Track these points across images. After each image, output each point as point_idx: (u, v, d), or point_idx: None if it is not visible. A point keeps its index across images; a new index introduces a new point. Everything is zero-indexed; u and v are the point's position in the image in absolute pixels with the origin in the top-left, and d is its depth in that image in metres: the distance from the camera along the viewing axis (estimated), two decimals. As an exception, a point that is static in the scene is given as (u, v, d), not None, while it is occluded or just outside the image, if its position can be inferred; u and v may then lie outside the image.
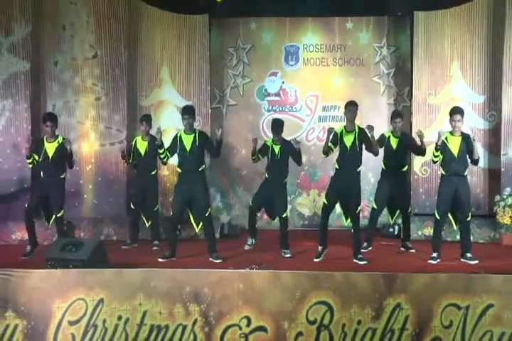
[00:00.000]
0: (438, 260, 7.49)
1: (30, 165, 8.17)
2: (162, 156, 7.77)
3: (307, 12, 10.62)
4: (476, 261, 7.35)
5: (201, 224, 7.76)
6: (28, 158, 7.99)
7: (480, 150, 9.67)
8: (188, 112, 7.75)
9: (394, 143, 8.38)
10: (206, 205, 7.72)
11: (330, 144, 7.58)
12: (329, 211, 7.89)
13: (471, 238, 8.70)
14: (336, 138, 7.57)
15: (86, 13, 9.88)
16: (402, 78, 10.85)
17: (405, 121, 10.45)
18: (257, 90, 11.08)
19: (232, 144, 10.98)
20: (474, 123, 9.98)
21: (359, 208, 7.62)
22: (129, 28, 10.02)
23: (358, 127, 7.58)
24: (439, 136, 7.49)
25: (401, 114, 8.75)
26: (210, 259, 7.52)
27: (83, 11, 9.88)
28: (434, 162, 7.71)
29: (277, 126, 8.35)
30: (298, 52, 11.03)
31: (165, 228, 8.86)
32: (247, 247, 8.40)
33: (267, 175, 8.32)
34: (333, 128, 7.58)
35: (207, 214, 7.66)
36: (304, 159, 10.89)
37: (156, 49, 10.47)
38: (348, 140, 7.53)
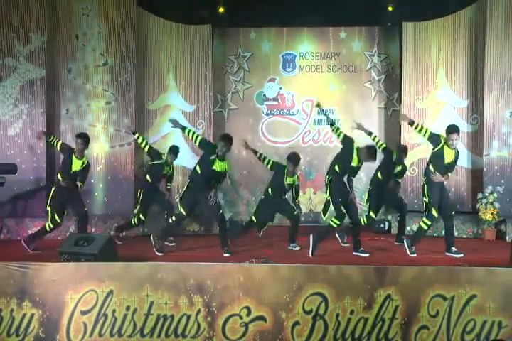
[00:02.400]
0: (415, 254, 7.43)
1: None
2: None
3: (303, 22, 10.64)
4: (462, 255, 7.32)
5: None
6: (49, 138, 8.12)
7: (464, 151, 9.72)
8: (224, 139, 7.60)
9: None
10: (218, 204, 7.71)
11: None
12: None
13: (456, 233, 8.74)
14: None
15: (97, 23, 9.85)
16: (392, 84, 10.84)
17: (395, 125, 10.55)
18: (257, 95, 11.07)
19: (233, 146, 10.89)
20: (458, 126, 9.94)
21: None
22: (138, 38, 9.99)
23: None
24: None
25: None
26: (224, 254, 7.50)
27: (95, 22, 9.85)
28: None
29: (294, 158, 8.20)
30: (295, 59, 11.02)
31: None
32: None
33: (270, 193, 8.18)
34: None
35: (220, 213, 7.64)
36: (300, 160, 10.94)
37: (162, 57, 10.47)
38: None
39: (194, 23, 10.44)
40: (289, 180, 8.10)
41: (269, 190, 8.18)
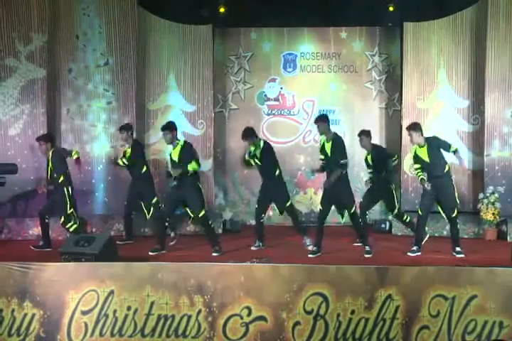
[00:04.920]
0: (418, 253, 7.49)
1: None
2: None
3: (304, 23, 10.62)
4: (462, 255, 7.34)
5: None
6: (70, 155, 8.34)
7: (465, 151, 9.73)
8: None
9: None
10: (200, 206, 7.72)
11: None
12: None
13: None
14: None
15: (98, 23, 9.86)
16: (393, 84, 10.82)
17: (396, 125, 10.54)
18: (257, 95, 11.05)
19: (234, 146, 10.95)
20: (459, 126, 9.97)
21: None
22: (138, 38, 9.99)
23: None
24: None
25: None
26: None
27: (95, 22, 9.85)
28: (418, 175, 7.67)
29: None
30: (295, 59, 11.01)
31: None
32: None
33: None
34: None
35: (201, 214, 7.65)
36: (301, 160, 10.95)
37: (163, 57, 10.46)
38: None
39: (195, 23, 10.43)
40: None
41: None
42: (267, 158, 8.04)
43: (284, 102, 11.03)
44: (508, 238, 8.71)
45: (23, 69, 9.46)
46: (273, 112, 11.04)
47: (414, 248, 7.57)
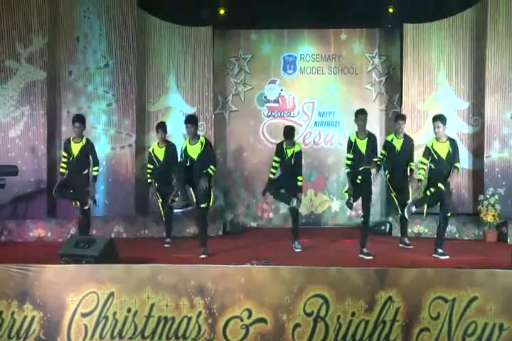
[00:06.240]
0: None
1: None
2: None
3: (304, 24, 10.62)
4: (447, 257, 7.29)
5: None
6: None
7: (465, 153, 9.73)
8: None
9: (397, 144, 8.30)
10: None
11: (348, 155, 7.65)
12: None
13: (457, 235, 8.76)
14: (351, 146, 7.62)
15: (98, 25, 9.89)
16: (393, 86, 10.83)
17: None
18: (258, 97, 11.05)
19: (234, 147, 10.96)
20: (459, 128, 9.98)
21: None
22: (138, 40, 10.02)
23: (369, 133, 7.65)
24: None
25: (404, 116, 8.75)
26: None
27: (95, 24, 9.89)
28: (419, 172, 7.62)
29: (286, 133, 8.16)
30: (295, 61, 11.01)
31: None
32: None
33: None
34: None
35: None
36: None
37: (163, 59, 10.49)
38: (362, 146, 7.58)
39: (195, 24, 10.45)
40: (289, 152, 8.02)
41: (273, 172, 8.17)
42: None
43: (284, 104, 11.04)
44: (509, 240, 8.71)
45: (24, 71, 9.49)
46: (273, 114, 11.04)
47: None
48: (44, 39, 9.50)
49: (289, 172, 8.02)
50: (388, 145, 8.32)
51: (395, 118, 8.66)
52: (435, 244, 7.49)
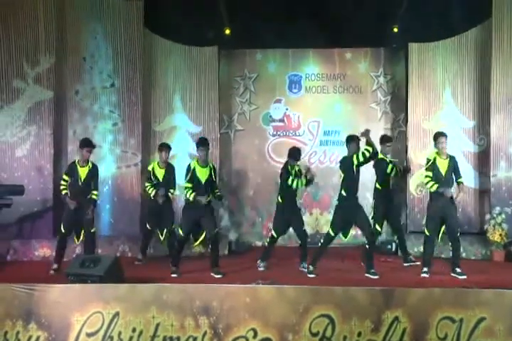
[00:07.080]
0: (428, 274, 7.45)
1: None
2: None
3: (309, 44, 10.71)
4: (465, 277, 7.30)
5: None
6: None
7: (471, 172, 9.72)
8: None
9: (388, 166, 8.33)
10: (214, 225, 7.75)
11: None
12: None
13: (464, 254, 8.71)
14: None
15: (105, 46, 9.98)
16: (398, 105, 10.86)
17: (402, 146, 10.55)
18: (263, 116, 11.11)
19: (239, 166, 10.98)
20: (465, 147, 9.98)
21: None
22: (144, 60, 10.10)
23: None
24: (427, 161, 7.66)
25: (390, 138, 8.86)
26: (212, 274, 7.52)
27: (102, 44, 9.98)
28: (428, 183, 7.67)
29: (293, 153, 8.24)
30: (300, 80, 11.08)
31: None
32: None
33: (281, 201, 8.13)
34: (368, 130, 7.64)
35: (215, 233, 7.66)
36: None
37: (168, 78, 10.57)
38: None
39: (200, 44, 10.54)
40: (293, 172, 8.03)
41: (279, 198, 8.13)
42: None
43: (290, 123, 11.08)
44: (516, 259, 8.67)
45: (31, 91, 9.57)
46: (278, 133, 11.08)
47: (425, 269, 7.54)
48: (51, 59, 9.59)
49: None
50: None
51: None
52: (452, 264, 7.54)
